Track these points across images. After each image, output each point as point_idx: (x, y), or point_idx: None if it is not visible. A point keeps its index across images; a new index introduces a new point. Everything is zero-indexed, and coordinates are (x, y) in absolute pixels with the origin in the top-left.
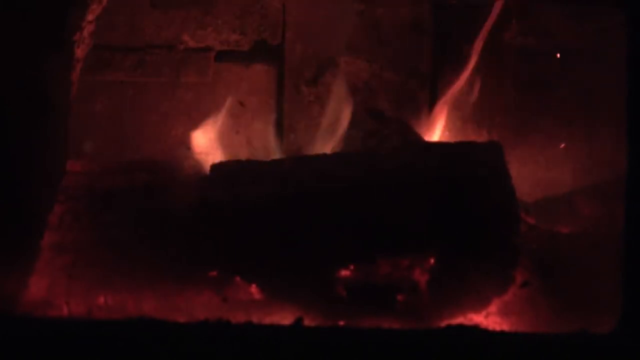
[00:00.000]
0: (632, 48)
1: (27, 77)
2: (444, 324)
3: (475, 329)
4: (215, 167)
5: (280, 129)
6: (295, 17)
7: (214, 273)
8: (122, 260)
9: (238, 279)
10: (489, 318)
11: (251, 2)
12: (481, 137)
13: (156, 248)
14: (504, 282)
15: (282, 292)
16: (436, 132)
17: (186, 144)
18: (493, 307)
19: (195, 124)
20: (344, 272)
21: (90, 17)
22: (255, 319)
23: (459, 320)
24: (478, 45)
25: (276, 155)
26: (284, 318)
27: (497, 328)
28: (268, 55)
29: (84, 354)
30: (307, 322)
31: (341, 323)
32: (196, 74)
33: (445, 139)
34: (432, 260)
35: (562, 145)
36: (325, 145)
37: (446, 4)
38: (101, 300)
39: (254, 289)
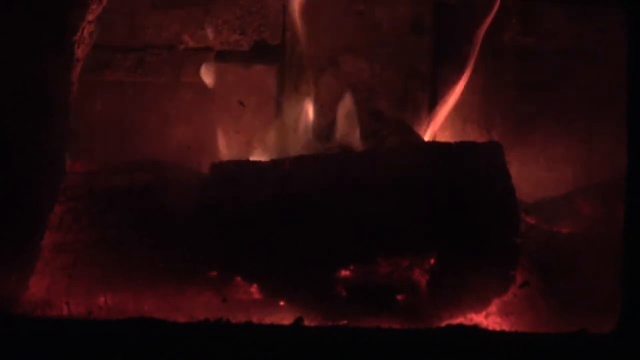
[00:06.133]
0: (632, 48)
1: (28, 77)
2: (444, 324)
3: (475, 328)
4: (215, 167)
5: (280, 129)
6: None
7: (214, 273)
8: (122, 260)
9: (238, 279)
10: (489, 318)
11: (251, 2)
12: (481, 137)
13: (156, 248)
14: (504, 282)
15: (282, 292)
16: (436, 132)
17: (186, 144)
18: (493, 307)
19: (195, 123)
20: (344, 272)
21: (90, 17)
22: (255, 319)
23: (459, 320)
24: (477, 43)
25: (276, 155)
26: (284, 318)
27: (497, 328)
28: (268, 55)
29: (84, 354)
30: (307, 322)
31: (341, 323)
32: (196, 74)
33: (445, 139)
34: (432, 261)
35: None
36: (325, 145)
37: (446, 4)
38: (101, 300)
39: (254, 289)
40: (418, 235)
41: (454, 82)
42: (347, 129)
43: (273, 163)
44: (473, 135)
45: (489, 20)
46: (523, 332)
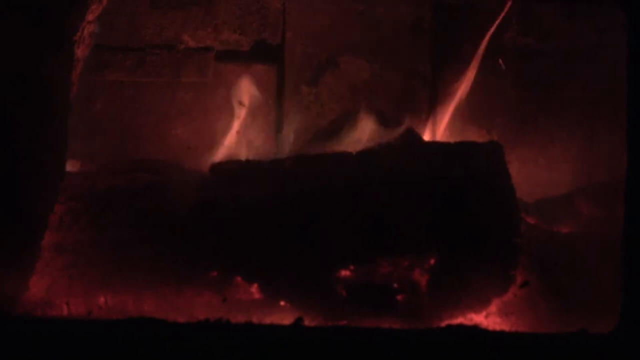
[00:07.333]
0: (632, 48)
1: (28, 77)
2: (444, 324)
3: (475, 329)
4: (215, 167)
5: (280, 129)
6: (295, 17)
7: (214, 273)
8: (122, 261)
9: (238, 279)
10: (489, 318)
11: (251, 2)
12: (481, 137)
13: (156, 248)
14: (504, 282)
15: (282, 292)
16: (436, 132)
17: (186, 144)
18: (493, 307)
19: (195, 123)
20: (344, 272)
21: (90, 17)
22: (255, 319)
23: (459, 320)
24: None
25: (276, 155)
26: (284, 318)
27: (497, 328)
28: (268, 55)
29: (84, 354)
30: (307, 322)
31: (341, 323)
32: (196, 74)
33: (445, 139)
34: (432, 261)
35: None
36: (326, 145)
37: (446, 4)
38: (101, 300)
39: (254, 289)
40: (418, 235)
41: (454, 82)
42: (348, 129)
43: (273, 163)
44: (473, 135)
45: (497, 22)
46: (523, 332)
